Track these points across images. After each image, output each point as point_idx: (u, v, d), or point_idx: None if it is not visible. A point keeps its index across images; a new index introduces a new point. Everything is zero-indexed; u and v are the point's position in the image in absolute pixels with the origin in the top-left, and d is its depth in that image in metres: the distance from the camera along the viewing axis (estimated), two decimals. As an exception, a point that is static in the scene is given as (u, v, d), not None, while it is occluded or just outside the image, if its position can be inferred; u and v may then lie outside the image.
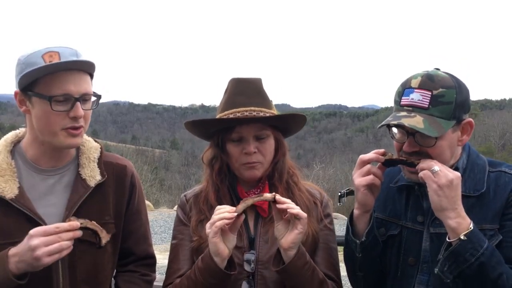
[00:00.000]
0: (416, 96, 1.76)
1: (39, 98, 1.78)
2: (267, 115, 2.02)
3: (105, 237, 1.80)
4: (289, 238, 1.81)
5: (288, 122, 2.11)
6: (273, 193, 1.83)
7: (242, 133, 2.01)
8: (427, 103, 1.74)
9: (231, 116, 2.01)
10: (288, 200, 1.83)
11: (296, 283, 1.87)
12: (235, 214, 1.78)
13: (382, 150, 1.84)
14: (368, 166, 1.82)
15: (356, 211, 1.88)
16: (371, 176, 1.81)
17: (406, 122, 1.73)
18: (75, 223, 1.69)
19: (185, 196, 2.17)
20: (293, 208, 1.79)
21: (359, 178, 1.82)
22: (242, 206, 1.80)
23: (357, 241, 1.87)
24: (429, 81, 1.76)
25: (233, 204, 2.02)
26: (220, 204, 1.98)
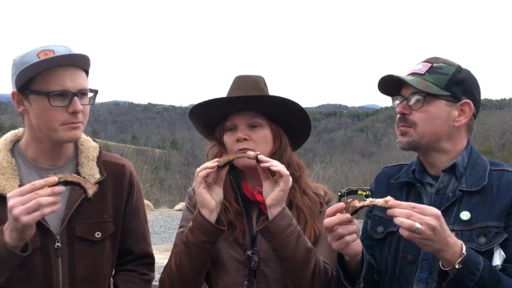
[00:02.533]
0: (418, 66, 1.92)
1: (37, 95, 1.79)
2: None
3: (91, 188, 1.71)
4: (272, 195, 1.84)
5: (279, 108, 2.03)
6: (257, 152, 1.87)
7: (234, 121, 2.02)
8: (424, 71, 1.88)
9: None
10: (271, 160, 1.85)
11: (279, 244, 1.85)
12: (216, 164, 1.84)
13: (341, 205, 1.69)
14: (339, 230, 1.69)
15: (346, 257, 1.82)
16: (345, 240, 1.69)
17: (395, 74, 1.87)
18: (52, 178, 1.63)
19: (193, 189, 2.16)
20: (276, 166, 1.83)
21: (335, 244, 1.72)
22: (224, 159, 1.86)
23: None
24: (434, 58, 1.93)
25: (238, 202, 2.04)
26: (226, 200, 1.99)
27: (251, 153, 1.87)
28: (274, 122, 2.07)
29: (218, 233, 1.88)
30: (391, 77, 1.89)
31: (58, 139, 1.86)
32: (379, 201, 1.63)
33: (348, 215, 1.67)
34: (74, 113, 1.81)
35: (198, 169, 1.86)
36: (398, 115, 1.91)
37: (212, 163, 1.86)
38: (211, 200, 1.85)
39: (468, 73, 1.90)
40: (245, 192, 2.06)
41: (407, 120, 1.87)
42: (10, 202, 1.59)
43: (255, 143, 2.00)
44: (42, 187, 1.60)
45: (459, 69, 1.88)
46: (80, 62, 1.84)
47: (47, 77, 1.78)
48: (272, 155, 2.03)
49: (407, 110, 1.87)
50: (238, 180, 2.10)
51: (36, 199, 1.58)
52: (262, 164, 1.84)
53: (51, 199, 1.61)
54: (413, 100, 1.85)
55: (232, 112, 2.03)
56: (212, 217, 1.86)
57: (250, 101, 2.00)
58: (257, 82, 2.09)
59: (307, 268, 1.86)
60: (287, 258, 1.86)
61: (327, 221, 1.68)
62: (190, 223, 1.91)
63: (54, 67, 1.79)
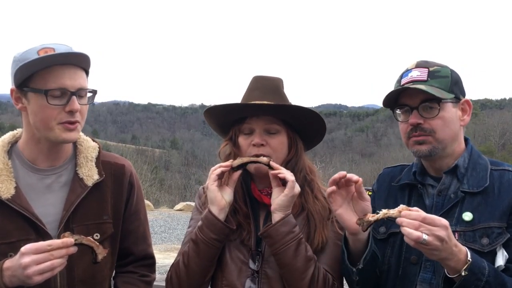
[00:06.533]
0: (415, 73, 1.86)
1: (35, 92, 1.78)
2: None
3: (101, 253, 1.75)
4: (276, 200, 1.88)
5: (300, 117, 2.04)
6: (269, 158, 1.91)
7: (252, 124, 2.01)
8: (426, 77, 1.84)
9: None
10: (281, 167, 1.90)
11: (278, 250, 1.87)
12: (230, 164, 1.92)
13: (342, 173, 1.81)
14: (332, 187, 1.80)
15: (349, 240, 1.84)
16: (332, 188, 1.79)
17: (411, 85, 1.81)
18: (69, 240, 1.65)
19: (203, 188, 2.17)
20: (283, 173, 1.87)
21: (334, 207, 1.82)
22: (238, 161, 1.93)
23: (353, 269, 1.84)
24: (423, 62, 1.90)
25: (246, 203, 2.05)
26: (235, 202, 2.01)
27: (264, 158, 1.91)
28: (291, 127, 2.05)
29: (227, 231, 1.91)
30: (408, 89, 1.82)
31: (54, 138, 1.84)
32: (393, 212, 1.61)
33: (362, 224, 1.71)
34: (71, 112, 1.80)
35: (212, 168, 1.94)
36: (410, 126, 1.84)
37: (227, 163, 1.92)
38: (221, 198, 1.91)
39: (455, 71, 1.91)
40: (254, 193, 2.06)
41: (423, 129, 1.82)
42: (25, 260, 1.59)
43: (271, 149, 2.00)
44: (58, 248, 1.62)
45: (450, 68, 1.90)
46: (80, 61, 1.83)
47: (45, 75, 1.77)
48: (288, 162, 2.03)
49: (421, 119, 1.82)
50: (247, 180, 2.10)
51: (51, 261, 1.61)
52: (271, 171, 1.89)
53: (63, 260, 1.64)
54: (426, 108, 1.81)
55: (250, 116, 2.01)
56: (222, 216, 1.90)
57: (270, 107, 1.99)
58: (276, 85, 2.08)
59: (304, 277, 1.87)
60: (285, 265, 1.87)
61: (329, 189, 1.78)
62: (200, 222, 1.94)
63: (54, 65, 1.77)
